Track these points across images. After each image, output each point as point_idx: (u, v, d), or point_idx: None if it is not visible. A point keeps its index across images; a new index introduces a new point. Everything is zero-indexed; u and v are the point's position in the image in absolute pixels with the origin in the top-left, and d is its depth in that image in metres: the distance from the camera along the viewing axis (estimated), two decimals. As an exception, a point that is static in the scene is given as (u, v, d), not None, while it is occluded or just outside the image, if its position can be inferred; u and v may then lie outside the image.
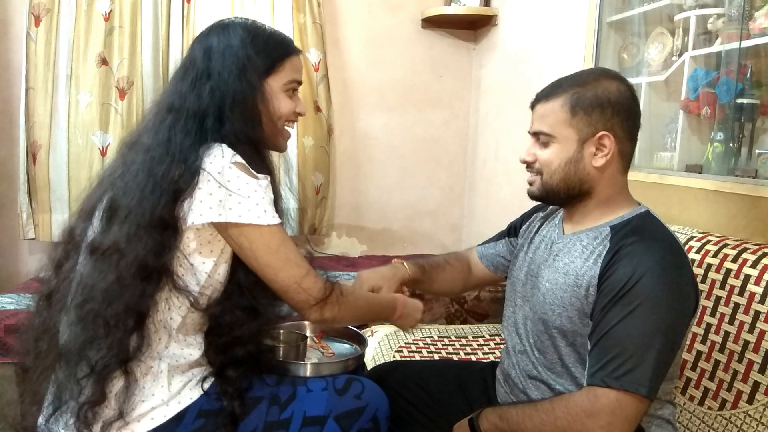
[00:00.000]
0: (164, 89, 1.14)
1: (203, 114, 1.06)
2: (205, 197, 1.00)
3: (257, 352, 1.12)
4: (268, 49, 1.12)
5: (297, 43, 2.74)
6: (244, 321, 1.08)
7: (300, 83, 1.19)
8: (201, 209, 1.00)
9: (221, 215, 1.00)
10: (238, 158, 1.03)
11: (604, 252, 1.07)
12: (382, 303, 1.28)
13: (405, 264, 1.39)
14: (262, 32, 1.14)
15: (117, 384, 1.00)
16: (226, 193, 1.00)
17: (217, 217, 1.00)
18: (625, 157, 1.12)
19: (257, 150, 1.09)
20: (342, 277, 2.42)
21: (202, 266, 1.05)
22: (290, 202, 1.27)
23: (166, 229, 1.00)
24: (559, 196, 1.14)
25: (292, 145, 2.75)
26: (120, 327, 0.99)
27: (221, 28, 1.13)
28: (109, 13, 2.58)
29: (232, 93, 1.07)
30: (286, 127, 1.19)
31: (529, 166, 1.16)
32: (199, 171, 1.00)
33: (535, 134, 1.15)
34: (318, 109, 2.81)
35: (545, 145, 1.12)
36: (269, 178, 1.06)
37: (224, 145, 1.03)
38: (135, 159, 1.05)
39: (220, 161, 1.01)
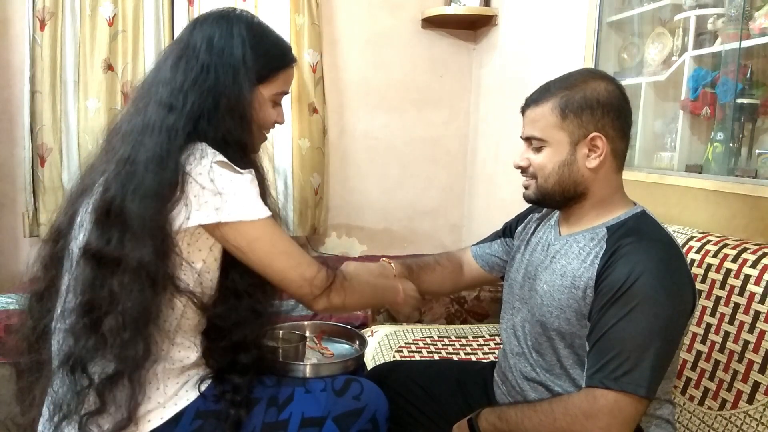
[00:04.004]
0: (159, 75, 1.07)
1: (200, 114, 1.03)
2: (191, 200, 0.98)
3: (260, 357, 1.11)
4: (268, 58, 1.10)
5: (294, 45, 2.75)
6: (245, 325, 1.07)
7: (287, 93, 1.17)
8: (188, 213, 0.98)
9: (209, 216, 0.98)
10: (220, 157, 1.01)
11: (601, 253, 1.07)
12: (385, 285, 1.27)
13: (392, 264, 1.38)
14: (266, 38, 1.12)
15: (119, 393, 0.98)
16: (211, 193, 0.98)
17: (206, 218, 0.98)
18: (618, 157, 1.12)
19: (244, 152, 1.07)
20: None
21: (192, 267, 1.03)
22: (287, 205, 1.25)
23: (165, 234, 0.98)
24: (555, 199, 1.14)
25: (287, 147, 2.75)
26: (125, 337, 0.96)
27: (225, 20, 1.09)
28: (113, 17, 2.59)
29: (227, 95, 1.05)
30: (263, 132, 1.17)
31: (524, 170, 1.16)
32: (183, 173, 0.98)
33: (528, 139, 1.15)
34: (314, 111, 2.80)
35: (538, 149, 1.12)
36: (253, 173, 1.04)
37: (204, 145, 1.01)
38: (131, 157, 1.01)
39: (202, 162, 0.99)
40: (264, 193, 1.08)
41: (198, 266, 1.03)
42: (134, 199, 0.97)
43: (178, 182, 0.97)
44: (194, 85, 1.04)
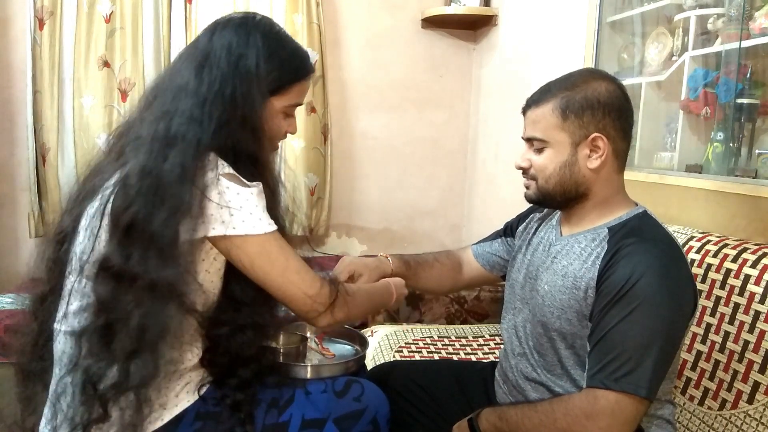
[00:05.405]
0: (179, 82, 1.04)
1: (220, 127, 1.01)
2: (197, 212, 0.96)
3: (260, 370, 1.10)
4: (281, 71, 1.08)
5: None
6: (246, 340, 1.06)
7: (301, 104, 1.15)
8: (197, 225, 0.96)
9: (215, 229, 0.97)
10: (228, 169, 0.99)
11: (603, 253, 1.06)
12: (380, 290, 1.26)
13: (389, 258, 1.38)
14: (281, 49, 1.09)
15: (125, 402, 0.96)
16: (218, 206, 0.97)
17: (212, 231, 0.97)
18: (619, 157, 1.12)
19: (254, 164, 1.06)
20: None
21: (196, 281, 1.01)
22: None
23: (182, 249, 0.96)
24: (556, 200, 1.14)
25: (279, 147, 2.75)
26: (134, 350, 0.94)
27: (244, 28, 1.07)
28: (110, 14, 2.59)
29: (241, 106, 1.03)
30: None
31: (525, 171, 1.16)
32: (192, 185, 0.96)
33: (529, 140, 1.15)
34: (312, 110, 2.80)
35: (539, 150, 1.12)
36: (260, 185, 1.02)
37: (213, 155, 0.99)
38: (154, 171, 0.97)
39: (209, 174, 0.97)
40: (275, 205, 1.06)
41: (201, 278, 1.02)
42: (159, 216, 0.94)
43: (195, 196, 0.96)
44: (216, 98, 1.02)
